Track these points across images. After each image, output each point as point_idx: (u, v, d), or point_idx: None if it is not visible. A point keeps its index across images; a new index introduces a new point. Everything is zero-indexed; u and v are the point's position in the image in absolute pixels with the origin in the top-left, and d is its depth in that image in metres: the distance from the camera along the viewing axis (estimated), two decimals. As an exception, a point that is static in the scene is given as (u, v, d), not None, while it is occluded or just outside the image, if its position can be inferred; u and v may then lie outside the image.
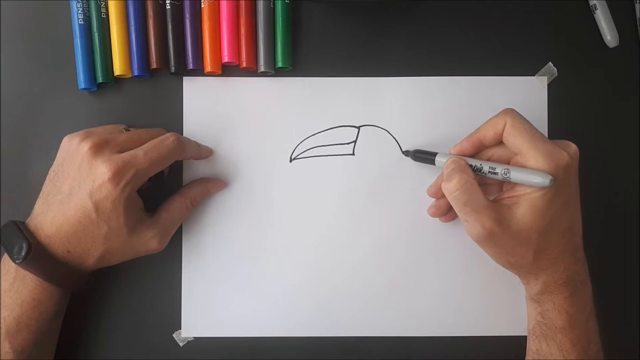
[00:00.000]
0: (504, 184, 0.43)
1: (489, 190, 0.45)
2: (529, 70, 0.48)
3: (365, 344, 0.47)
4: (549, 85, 0.48)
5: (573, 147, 0.40)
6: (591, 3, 0.48)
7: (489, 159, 0.42)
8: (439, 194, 0.45)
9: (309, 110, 0.48)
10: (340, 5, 0.48)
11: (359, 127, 0.48)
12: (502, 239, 0.39)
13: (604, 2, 0.47)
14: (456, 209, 0.40)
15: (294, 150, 0.48)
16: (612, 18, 0.47)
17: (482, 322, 0.47)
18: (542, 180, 0.37)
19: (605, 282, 0.46)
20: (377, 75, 0.48)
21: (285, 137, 0.48)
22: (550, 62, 0.48)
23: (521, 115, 0.40)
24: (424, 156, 0.45)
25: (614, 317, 0.47)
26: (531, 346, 0.43)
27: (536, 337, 0.42)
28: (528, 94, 0.48)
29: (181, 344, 0.47)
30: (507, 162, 0.41)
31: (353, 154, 0.48)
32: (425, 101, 0.48)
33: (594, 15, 0.48)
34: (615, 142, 0.48)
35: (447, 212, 0.46)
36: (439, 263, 0.47)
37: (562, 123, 0.47)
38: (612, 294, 0.47)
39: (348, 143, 0.48)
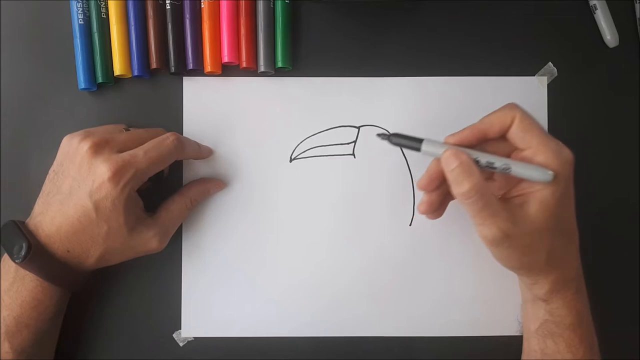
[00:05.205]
0: (507, 180, 0.41)
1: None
2: (529, 70, 0.48)
3: (366, 344, 0.47)
4: (549, 85, 0.48)
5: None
6: (591, 3, 0.48)
7: (484, 151, 0.41)
8: (431, 186, 0.41)
9: (309, 110, 0.48)
10: (340, 5, 0.48)
11: (359, 127, 0.48)
12: (517, 239, 0.38)
13: (604, 2, 0.47)
14: (471, 213, 0.38)
15: (294, 150, 0.48)
16: (612, 18, 0.47)
17: (483, 322, 0.47)
18: (545, 175, 0.37)
19: (605, 282, 0.46)
20: (377, 75, 0.48)
21: (285, 137, 0.48)
22: (550, 62, 0.48)
23: (527, 111, 0.39)
24: (406, 142, 0.40)
25: (614, 317, 0.47)
26: (533, 346, 0.43)
27: (541, 336, 0.42)
28: (528, 94, 0.48)
29: (181, 344, 0.47)
30: (505, 155, 0.40)
31: (353, 154, 0.48)
32: (425, 101, 0.48)
33: (594, 15, 0.48)
34: (616, 142, 0.48)
35: (439, 208, 0.43)
36: (440, 263, 0.47)
37: (562, 123, 0.47)
38: (612, 294, 0.47)
39: (348, 143, 0.48)
